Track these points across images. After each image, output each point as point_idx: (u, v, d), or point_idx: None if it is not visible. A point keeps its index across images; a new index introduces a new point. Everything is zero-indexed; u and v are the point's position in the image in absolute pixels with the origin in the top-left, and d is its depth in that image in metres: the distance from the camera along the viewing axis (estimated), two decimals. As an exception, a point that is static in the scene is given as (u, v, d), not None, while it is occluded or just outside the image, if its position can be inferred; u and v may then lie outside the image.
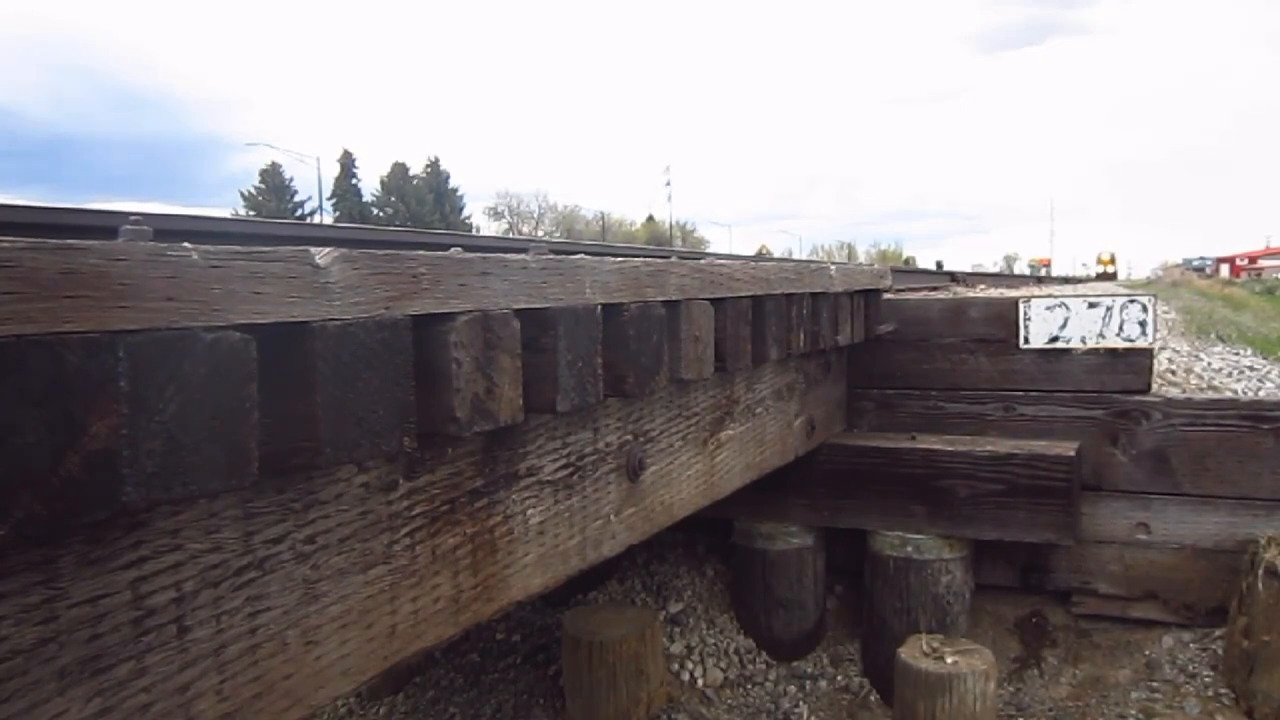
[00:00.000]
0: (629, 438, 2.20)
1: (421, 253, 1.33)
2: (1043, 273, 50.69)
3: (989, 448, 3.61)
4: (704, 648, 3.97)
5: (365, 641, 1.41)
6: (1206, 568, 3.54)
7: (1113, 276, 51.86)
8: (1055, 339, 3.75)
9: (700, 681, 3.82)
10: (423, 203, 64.17)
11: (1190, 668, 3.42)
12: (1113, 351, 3.66)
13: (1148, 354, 3.66)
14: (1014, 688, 3.62)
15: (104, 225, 2.50)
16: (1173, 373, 4.72)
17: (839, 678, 3.86)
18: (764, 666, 3.93)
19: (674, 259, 2.17)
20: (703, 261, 2.33)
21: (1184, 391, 4.16)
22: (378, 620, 1.44)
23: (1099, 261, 56.64)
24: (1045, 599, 3.86)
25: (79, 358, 0.87)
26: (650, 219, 78.17)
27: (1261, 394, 4.68)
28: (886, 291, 3.93)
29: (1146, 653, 3.56)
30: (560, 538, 1.92)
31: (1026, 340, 3.78)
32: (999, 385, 3.86)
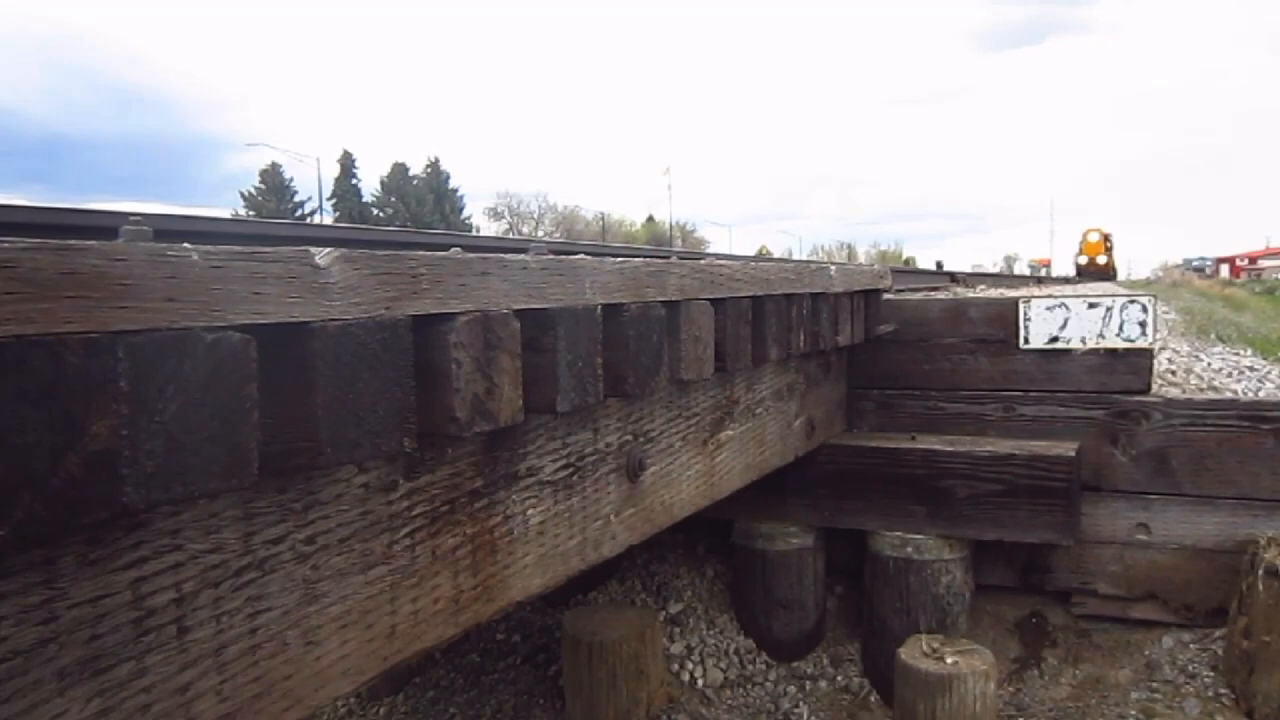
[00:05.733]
0: (629, 438, 2.20)
1: (421, 253, 1.33)
2: (1043, 273, 42.13)
3: (989, 448, 3.61)
4: (704, 648, 3.97)
5: (365, 642, 1.41)
6: (1206, 568, 3.54)
7: (1106, 271, 37.31)
8: (1055, 339, 3.75)
9: (700, 682, 3.82)
10: (423, 203, 64.18)
11: (1190, 668, 3.42)
12: (1113, 352, 3.66)
13: (1148, 354, 3.66)
14: (1014, 688, 3.62)
15: (104, 225, 2.50)
16: (1173, 373, 4.73)
17: (839, 678, 3.86)
18: (764, 667, 3.93)
19: (674, 259, 2.17)
20: (703, 261, 2.33)
21: (1184, 392, 4.16)
22: (378, 621, 1.44)
23: (1084, 248, 38.64)
24: (1045, 599, 3.86)
25: (79, 358, 0.87)
26: (650, 219, 78.20)
27: (1261, 394, 4.68)
28: (886, 292, 3.93)
29: (1146, 653, 3.56)
30: (560, 538, 1.92)
31: (1026, 340, 3.79)
32: (999, 385, 3.86)
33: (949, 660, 3.06)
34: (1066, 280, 28.22)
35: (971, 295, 5.91)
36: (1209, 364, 5.50)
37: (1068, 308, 3.72)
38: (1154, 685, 3.41)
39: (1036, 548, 3.74)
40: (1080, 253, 39.40)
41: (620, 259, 1.88)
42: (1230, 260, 56.29)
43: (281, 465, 1.16)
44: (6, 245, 0.82)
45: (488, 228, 68.13)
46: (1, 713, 0.93)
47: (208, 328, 0.99)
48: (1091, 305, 3.68)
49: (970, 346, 3.90)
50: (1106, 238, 39.10)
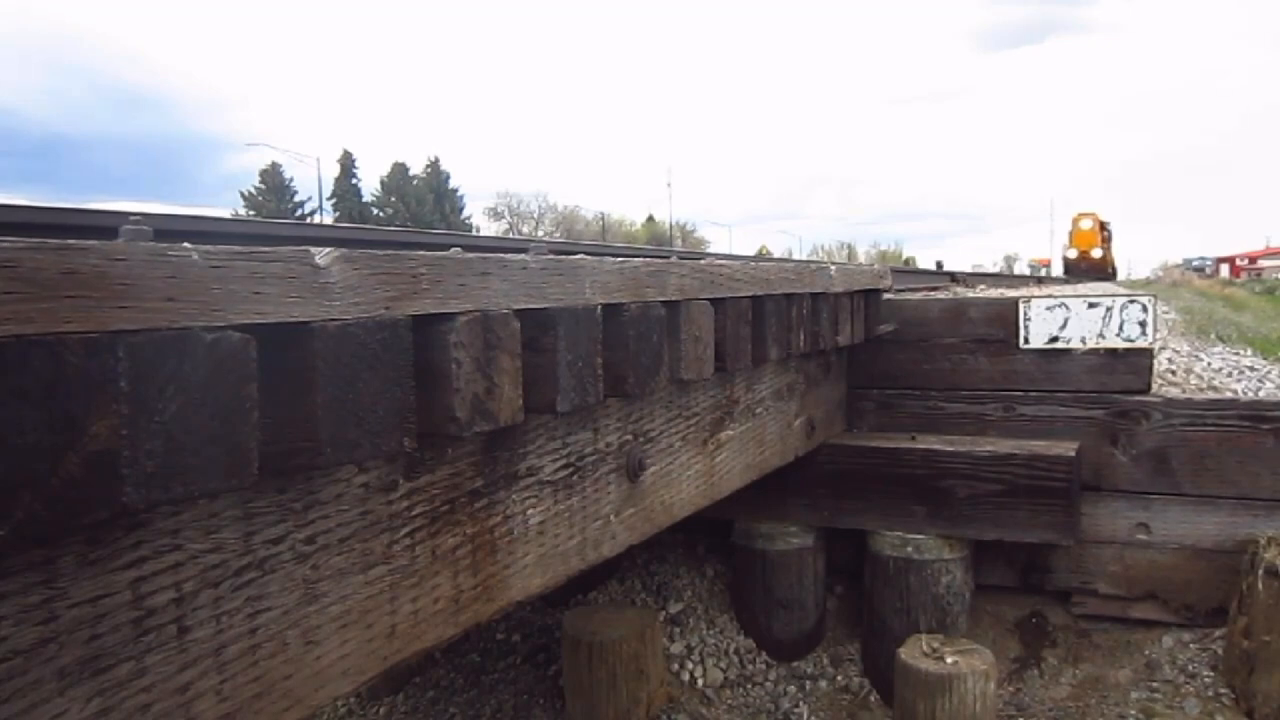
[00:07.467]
0: (629, 438, 2.20)
1: (421, 253, 1.33)
2: (1043, 273, 37.75)
3: (989, 448, 3.61)
4: (704, 648, 3.97)
5: (365, 642, 1.41)
6: (1206, 568, 3.54)
7: (1104, 267, 30.91)
8: (1055, 339, 3.75)
9: (700, 682, 3.82)
10: (423, 203, 64.18)
11: (1190, 668, 3.42)
12: (1113, 351, 3.66)
13: (1148, 354, 3.66)
14: (1014, 688, 3.62)
15: (104, 225, 2.50)
16: (1173, 373, 4.73)
17: (839, 678, 3.86)
18: (764, 666, 3.93)
19: (674, 259, 2.17)
20: (703, 261, 2.33)
21: (1184, 391, 4.16)
22: (378, 620, 1.44)
23: (1075, 238, 31.05)
24: (1045, 599, 3.86)
25: (79, 358, 0.87)
26: (650, 219, 78.19)
27: (1261, 394, 4.68)
28: (886, 292, 3.93)
29: (1146, 653, 3.56)
30: (560, 538, 1.92)
31: (1026, 340, 3.79)
32: (999, 385, 3.86)
33: (949, 660, 3.06)
34: (1066, 280, 27.42)
35: (971, 295, 5.92)
36: (1209, 364, 5.51)
37: (1068, 308, 3.72)
38: (1154, 685, 3.41)
39: (1036, 548, 3.74)
40: (1070, 244, 31.95)
41: (620, 259, 1.88)
42: (1230, 260, 56.11)
43: (281, 465, 1.16)
44: (6, 245, 0.82)
45: (488, 228, 68.14)
46: (1, 713, 0.93)
47: (208, 328, 0.99)
48: (1091, 305, 3.69)
49: (970, 346, 3.90)
50: (1103, 226, 31.93)
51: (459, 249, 1.43)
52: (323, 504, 1.33)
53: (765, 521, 3.95)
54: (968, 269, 23.30)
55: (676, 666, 3.86)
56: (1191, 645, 3.52)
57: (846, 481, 3.76)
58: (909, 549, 3.68)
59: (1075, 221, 31.84)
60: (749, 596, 4.06)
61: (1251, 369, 5.56)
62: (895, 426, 4.02)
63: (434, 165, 67.10)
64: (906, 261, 63.09)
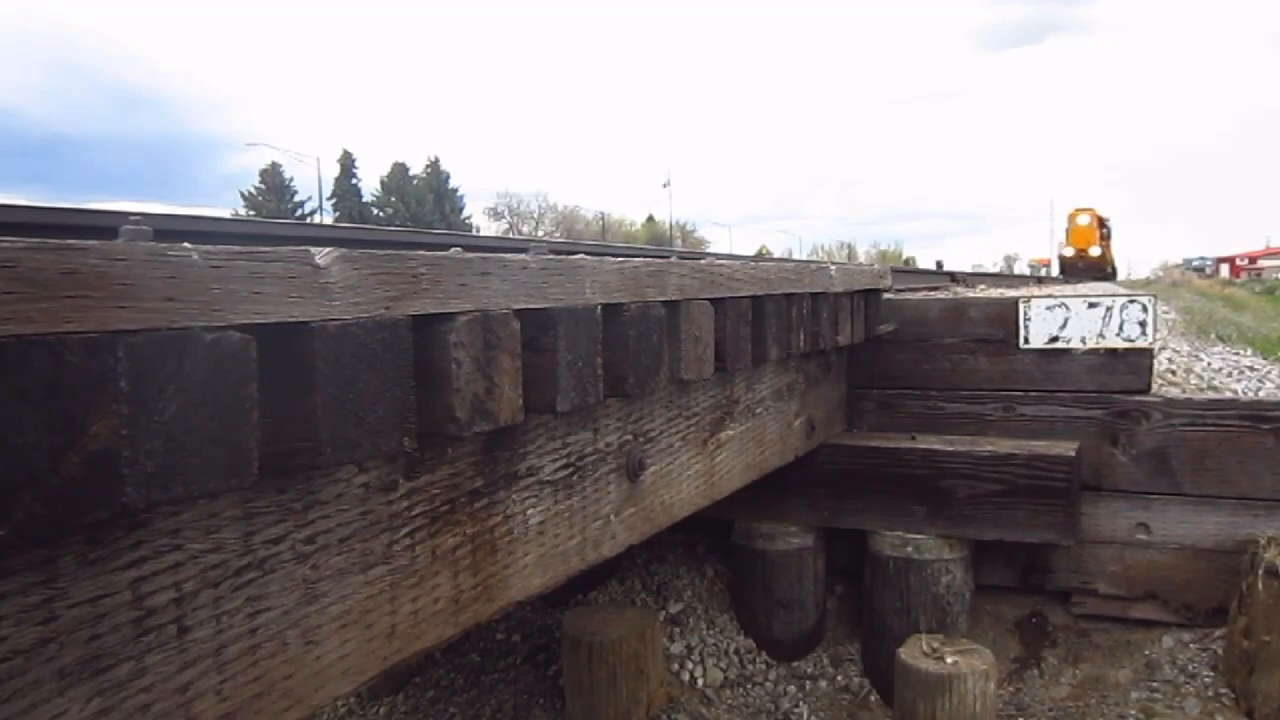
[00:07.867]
0: (629, 438, 2.20)
1: (421, 253, 1.33)
2: (1043, 273, 35.73)
3: (989, 448, 3.61)
4: (704, 648, 3.97)
5: (365, 642, 1.41)
6: (1206, 568, 3.54)
7: (1102, 266, 29.13)
8: (1055, 339, 3.75)
9: (700, 681, 3.82)
10: (423, 203, 64.17)
11: (1190, 668, 3.42)
12: (1113, 351, 3.66)
13: (1148, 354, 3.66)
14: (1014, 688, 3.62)
15: (104, 225, 2.50)
16: (1173, 373, 4.72)
17: (839, 678, 3.86)
18: (764, 666, 3.94)
19: (674, 259, 2.17)
20: (703, 261, 2.33)
21: (1184, 391, 4.16)
22: (378, 620, 1.44)
23: (1072, 236, 29.30)
24: (1045, 599, 3.86)
25: (79, 358, 0.87)
26: (650, 219, 78.17)
27: (1261, 394, 4.68)
28: (886, 291, 3.93)
29: (1146, 653, 3.56)
30: (560, 538, 1.92)
31: (1026, 340, 3.79)
32: (999, 385, 3.86)
33: (949, 660, 3.06)
34: (1065, 280, 27.03)
35: (971, 295, 5.91)
36: (1209, 364, 5.50)
37: (1068, 307, 3.72)
38: (1154, 685, 3.41)
39: (1036, 548, 3.74)
40: (1067, 242, 30.05)
41: (620, 259, 1.88)
42: (1230, 260, 56.04)
43: (281, 465, 1.16)
44: (6, 245, 0.82)
45: (488, 228, 68.11)
46: (1, 713, 0.93)
47: (208, 328, 0.99)
48: (1091, 305, 3.69)
49: (970, 346, 3.90)
50: (1102, 222, 29.96)
51: (459, 249, 1.43)
52: (323, 504, 1.33)
53: (765, 521, 3.95)
54: (968, 269, 23.24)
55: (676, 666, 3.86)
56: (1191, 645, 3.52)
57: (846, 481, 3.77)
58: (909, 549, 3.68)
59: (1072, 218, 30.05)
60: (749, 596, 4.06)
61: (1251, 369, 5.55)
62: (895, 426, 4.02)
63: (434, 165, 67.10)
64: (906, 261, 63.01)
